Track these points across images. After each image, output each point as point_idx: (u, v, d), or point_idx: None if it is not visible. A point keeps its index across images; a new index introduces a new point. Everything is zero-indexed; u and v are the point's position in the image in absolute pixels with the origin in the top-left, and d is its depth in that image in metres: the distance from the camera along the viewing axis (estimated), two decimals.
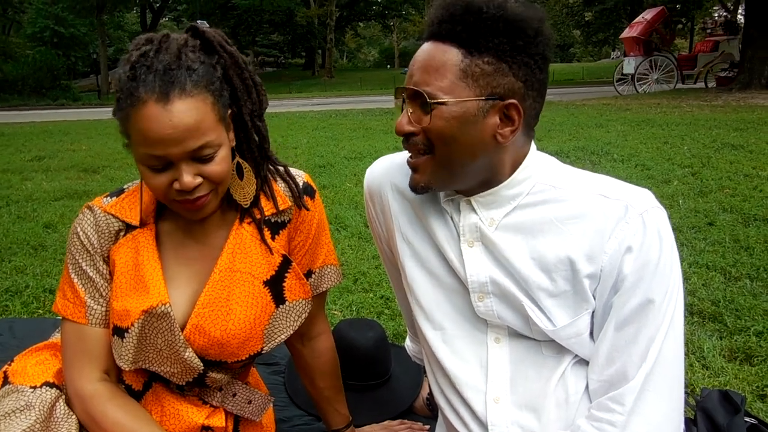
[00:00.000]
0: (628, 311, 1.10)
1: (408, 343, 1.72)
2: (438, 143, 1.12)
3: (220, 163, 1.16)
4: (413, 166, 1.18)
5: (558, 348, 1.19)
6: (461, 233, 1.22)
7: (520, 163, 1.18)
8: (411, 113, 1.12)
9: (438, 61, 1.08)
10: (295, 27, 45.73)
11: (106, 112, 19.57)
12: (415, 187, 1.19)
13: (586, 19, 38.28)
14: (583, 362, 1.19)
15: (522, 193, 1.18)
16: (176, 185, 1.13)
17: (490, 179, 1.17)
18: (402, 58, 64.32)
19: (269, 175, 1.35)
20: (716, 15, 35.44)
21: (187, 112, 1.08)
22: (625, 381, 1.10)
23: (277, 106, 18.66)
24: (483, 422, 1.21)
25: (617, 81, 18.76)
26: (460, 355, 1.25)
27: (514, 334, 1.21)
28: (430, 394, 1.76)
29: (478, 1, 1.07)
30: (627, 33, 18.55)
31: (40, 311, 2.99)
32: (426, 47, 1.12)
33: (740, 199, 4.56)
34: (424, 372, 2.12)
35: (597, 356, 1.15)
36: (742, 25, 19.95)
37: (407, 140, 1.15)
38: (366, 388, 1.97)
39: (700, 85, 19.46)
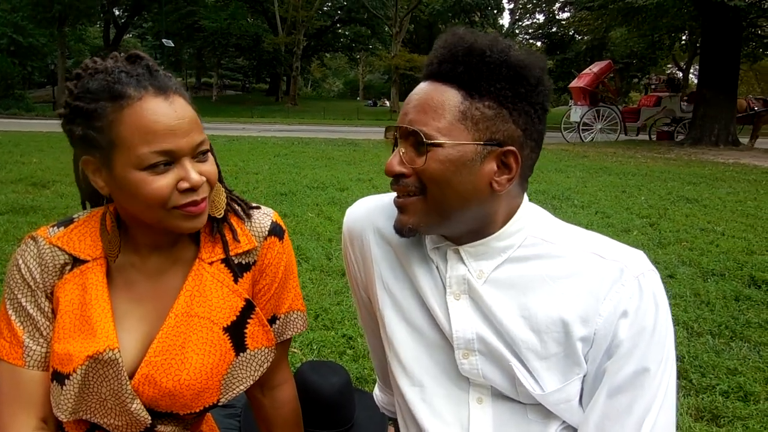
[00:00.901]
0: (622, 379, 1.04)
1: (377, 393, 1.61)
2: (431, 186, 1.05)
3: (213, 164, 1.13)
4: (400, 205, 1.10)
5: (545, 412, 1.11)
6: (448, 285, 1.14)
7: (513, 214, 1.12)
8: (403, 153, 1.05)
9: (436, 101, 1.03)
10: (261, 53, 45.67)
11: (60, 125, 19.07)
12: (401, 229, 1.11)
13: (548, 66, 39.54)
14: (572, 429, 1.12)
15: (513, 245, 1.12)
16: (183, 184, 1.05)
17: (482, 229, 1.11)
18: (366, 90, 65.04)
19: (231, 211, 1.26)
20: (668, 72, 37.13)
21: (186, 106, 1.07)
22: None
23: (238, 130, 18.52)
24: None
25: (564, 128, 19.42)
26: (440, 414, 1.17)
27: (498, 395, 1.14)
28: None
29: (481, 43, 1.02)
30: (575, 83, 19.36)
31: None
32: (424, 86, 1.06)
33: (698, 253, 4.63)
34: (389, 420, 2.02)
35: (586, 425, 1.07)
36: (695, 84, 21.01)
37: (397, 181, 1.08)
38: None
39: (643, 137, 20.40)
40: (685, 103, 19.93)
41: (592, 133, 18.66)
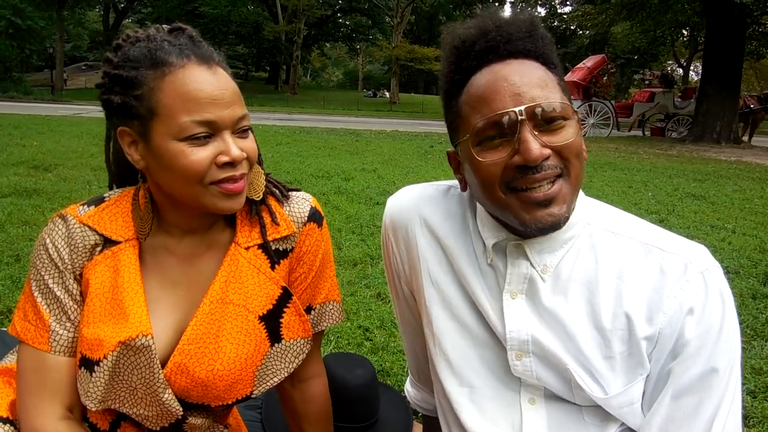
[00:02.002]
0: (689, 380, 0.98)
1: (408, 389, 1.55)
2: (575, 161, 0.98)
3: (254, 142, 1.08)
4: (549, 198, 0.97)
5: (602, 415, 1.05)
6: (507, 282, 1.07)
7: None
8: (536, 135, 0.95)
9: (540, 75, 0.98)
10: (261, 41, 45.50)
11: (59, 109, 18.94)
12: (557, 223, 0.98)
13: None
14: (630, 431, 1.06)
15: (575, 236, 1.06)
16: (222, 158, 1.01)
17: None
18: (366, 81, 64.80)
19: (270, 193, 1.20)
20: (662, 68, 37.11)
21: (228, 78, 1.04)
22: None
23: None
24: None
25: None
26: (490, 417, 1.11)
27: (551, 396, 1.08)
28: None
29: (533, 18, 1.03)
30: (568, 77, 19.15)
31: None
32: (514, 65, 0.99)
33: (711, 251, 4.54)
34: (415, 414, 1.96)
35: (649, 428, 1.01)
36: (695, 80, 20.91)
37: (540, 168, 0.95)
38: (351, 431, 1.79)
39: (635, 132, 20.24)
40: (680, 99, 19.84)
41: (584, 128, 18.56)
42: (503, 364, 1.09)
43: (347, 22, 54.69)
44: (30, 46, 35.21)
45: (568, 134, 0.96)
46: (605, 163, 10.47)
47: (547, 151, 0.95)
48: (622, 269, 1.03)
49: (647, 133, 20.12)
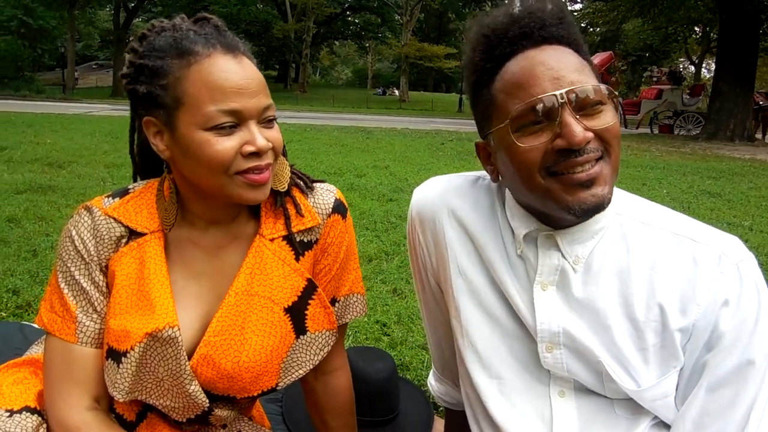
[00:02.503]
0: (724, 372, 0.96)
1: (431, 382, 1.54)
2: (615, 144, 0.97)
3: (278, 132, 1.07)
4: (592, 178, 0.95)
5: (634, 407, 1.04)
6: (538, 274, 1.06)
7: None
8: (578, 118, 0.94)
9: (576, 61, 0.97)
10: (270, 39, 45.47)
11: (70, 107, 19.04)
12: (600, 204, 0.96)
13: None
14: (663, 425, 1.04)
15: (605, 227, 1.04)
16: (248, 148, 1.00)
17: None
18: (375, 79, 64.72)
19: (295, 185, 1.19)
20: (681, 66, 36.84)
21: (254, 68, 1.04)
22: None
23: None
24: None
25: None
26: (520, 409, 1.10)
27: (581, 389, 1.07)
28: None
29: (562, 5, 1.01)
30: None
31: (3, 314, 2.74)
32: (549, 51, 0.97)
33: None
34: (437, 408, 1.95)
35: (683, 421, 1.00)
36: (706, 78, 20.71)
37: (583, 151, 0.94)
38: (372, 425, 1.79)
39: (643, 130, 20.02)
40: (688, 96, 19.63)
41: None
42: (533, 356, 1.08)
43: (356, 20, 54.60)
44: (41, 45, 35.48)
45: (607, 118, 0.95)
46: None
47: (590, 134, 0.94)
48: (654, 260, 1.01)
49: (655, 130, 19.98)
